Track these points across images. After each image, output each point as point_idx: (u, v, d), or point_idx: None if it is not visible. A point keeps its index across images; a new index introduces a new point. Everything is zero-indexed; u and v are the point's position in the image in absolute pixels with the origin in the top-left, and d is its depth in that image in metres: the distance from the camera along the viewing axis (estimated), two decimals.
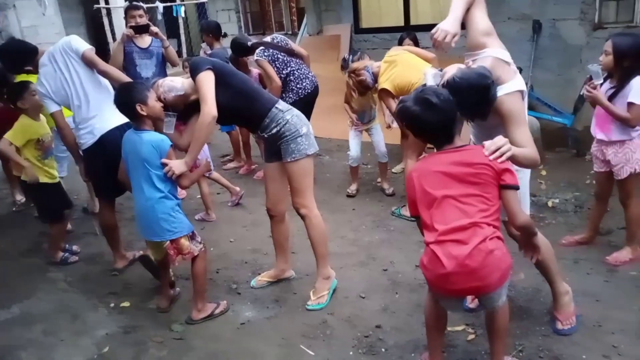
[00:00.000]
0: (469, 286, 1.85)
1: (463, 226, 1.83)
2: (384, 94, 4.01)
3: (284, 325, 2.75)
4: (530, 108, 5.40)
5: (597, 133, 3.06)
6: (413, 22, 7.19)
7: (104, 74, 3.24)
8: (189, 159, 2.64)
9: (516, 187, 1.92)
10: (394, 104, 3.92)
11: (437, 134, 2.01)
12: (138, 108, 2.58)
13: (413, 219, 2.13)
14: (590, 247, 3.26)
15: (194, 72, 2.64)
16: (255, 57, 4.56)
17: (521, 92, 2.21)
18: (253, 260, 3.50)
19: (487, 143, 1.95)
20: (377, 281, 3.12)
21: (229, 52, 4.66)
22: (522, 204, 2.32)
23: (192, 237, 2.72)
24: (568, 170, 4.62)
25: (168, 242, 2.65)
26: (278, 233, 3.10)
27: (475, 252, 1.80)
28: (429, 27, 2.24)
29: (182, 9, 8.53)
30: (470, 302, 2.68)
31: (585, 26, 5.20)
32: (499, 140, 1.95)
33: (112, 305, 3.07)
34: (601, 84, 2.95)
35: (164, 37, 4.40)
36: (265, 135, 2.79)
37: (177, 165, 2.60)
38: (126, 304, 3.06)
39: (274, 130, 2.74)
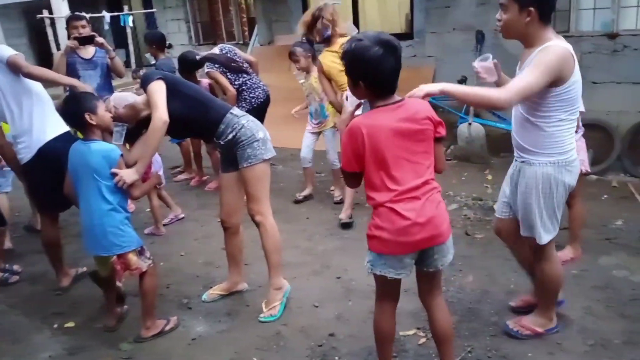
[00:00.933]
0: (427, 235, 1.91)
1: (417, 186, 1.92)
2: (320, 69, 4.00)
3: (236, 339, 2.70)
4: (475, 115, 5.58)
5: None
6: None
7: (31, 76, 3.07)
8: (140, 166, 2.58)
9: (445, 139, 2.05)
10: (329, 88, 3.97)
11: (388, 82, 1.92)
12: (87, 117, 2.51)
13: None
14: None
15: (144, 84, 2.63)
16: (205, 69, 4.52)
17: (570, 52, 2.15)
18: (205, 273, 3.44)
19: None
20: (331, 289, 3.13)
21: (175, 62, 4.59)
22: (555, 223, 2.37)
23: (140, 252, 2.64)
24: None
25: (115, 257, 2.57)
26: (231, 245, 3.06)
27: (428, 203, 1.92)
28: None
29: (130, 18, 8.31)
30: None
31: None
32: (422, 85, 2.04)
33: (55, 326, 2.94)
34: None
35: (110, 48, 4.28)
36: (222, 142, 2.76)
37: (128, 174, 2.54)
38: (71, 324, 2.93)
39: (230, 136, 2.73)
